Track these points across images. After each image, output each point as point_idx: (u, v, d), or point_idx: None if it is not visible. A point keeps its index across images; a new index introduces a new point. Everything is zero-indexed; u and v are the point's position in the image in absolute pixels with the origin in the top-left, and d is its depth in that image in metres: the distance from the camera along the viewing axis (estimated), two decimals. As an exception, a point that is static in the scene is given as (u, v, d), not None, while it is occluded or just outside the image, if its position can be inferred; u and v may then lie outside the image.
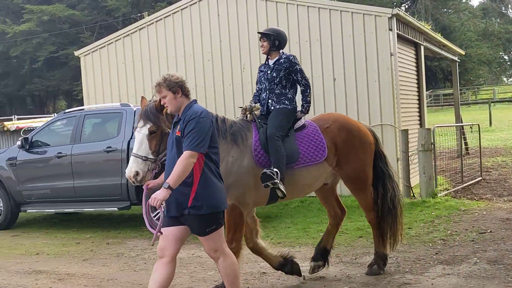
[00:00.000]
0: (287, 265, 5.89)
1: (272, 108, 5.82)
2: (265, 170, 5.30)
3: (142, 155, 4.68)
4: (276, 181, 5.28)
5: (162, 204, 4.20)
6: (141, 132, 4.72)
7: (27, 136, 10.32)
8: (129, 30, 13.28)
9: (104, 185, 9.44)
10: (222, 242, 4.50)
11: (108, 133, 9.85)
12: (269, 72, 5.91)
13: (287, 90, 5.87)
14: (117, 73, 13.26)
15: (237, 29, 12.03)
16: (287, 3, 11.48)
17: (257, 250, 5.86)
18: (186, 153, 4.25)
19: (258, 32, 6.19)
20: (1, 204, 10.28)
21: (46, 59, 40.90)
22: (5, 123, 16.71)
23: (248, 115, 5.74)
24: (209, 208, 4.32)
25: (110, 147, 9.41)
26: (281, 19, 11.49)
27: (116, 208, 9.44)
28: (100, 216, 11.16)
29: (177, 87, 4.49)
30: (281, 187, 5.35)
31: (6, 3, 43.62)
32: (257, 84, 6.08)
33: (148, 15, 21.94)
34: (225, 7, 12.12)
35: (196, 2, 12.44)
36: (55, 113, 35.60)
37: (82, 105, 13.66)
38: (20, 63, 43.93)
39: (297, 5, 11.39)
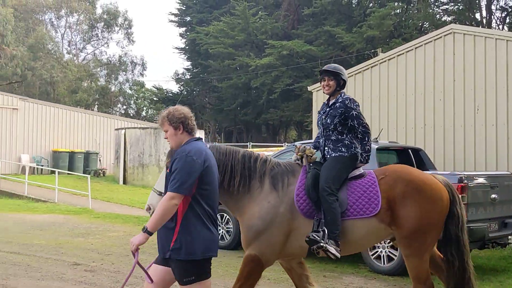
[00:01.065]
0: None
1: (328, 156, 5.30)
2: (308, 235, 4.85)
3: (158, 190, 4.52)
4: (321, 244, 4.81)
5: (138, 249, 3.96)
6: (164, 168, 4.57)
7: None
8: (361, 68, 13.55)
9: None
10: None
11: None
12: (323, 117, 5.42)
13: (344, 136, 5.31)
14: (346, 109, 13.60)
15: (473, 68, 11.53)
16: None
17: None
18: (167, 195, 3.96)
19: (323, 70, 5.47)
20: (231, 226, 11.14)
21: (282, 91, 43.43)
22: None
23: (303, 159, 5.23)
24: (187, 254, 3.98)
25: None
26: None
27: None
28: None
29: (178, 122, 4.24)
30: (331, 249, 4.86)
31: (251, 39, 47.46)
32: (318, 127, 5.58)
33: (382, 51, 22.10)
34: (461, 45, 11.73)
35: (431, 41, 12.25)
36: (285, 143, 37.48)
37: (311, 136, 14.21)
38: (259, 93, 47.28)
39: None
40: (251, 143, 35.56)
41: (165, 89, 64.77)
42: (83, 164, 28.42)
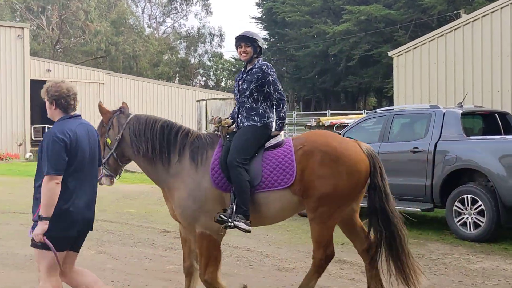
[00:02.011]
0: None
1: (241, 125, 5.13)
2: (215, 216, 4.74)
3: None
4: (229, 224, 4.71)
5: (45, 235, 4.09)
6: None
7: (339, 132, 11.07)
8: (444, 30, 13.15)
9: (408, 185, 9.58)
10: (45, 267, 4.20)
11: (415, 134, 9.96)
12: (240, 83, 5.24)
13: (259, 104, 5.13)
14: (428, 74, 13.28)
15: None
16: None
17: (190, 272, 5.25)
18: (45, 178, 4.09)
19: (239, 36, 5.30)
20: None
21: (360, 57, 42.70)
22: (321, 118, 18.15)
23: (221, 129, 5.11)
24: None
25: (416, 147, 9.52)
26: None
27: (419, 209, 9.49)
28: (402, 215, 11.35)
29: (52, 99, 4.39)
30: (241, 224, 4.73)
31: (328, 5, 46.77)
32: (234, 94, 5.37)
33: (465, 12, 21.24)
34: (552, 3, 11.12)
35: (518, -1, 11.68)
36: (365, 110, 36.99)
37: (392, 102, 14.03)
38: (337, 61, 46.73)
39: None
40: (330, 111, 35.37)
41: (243, 60, 65.23)
42: (166, 135, 29.27)
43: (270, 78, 5.10)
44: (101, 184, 5.07)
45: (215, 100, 27.43)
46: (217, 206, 4.81)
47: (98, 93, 28.93)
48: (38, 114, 28.45)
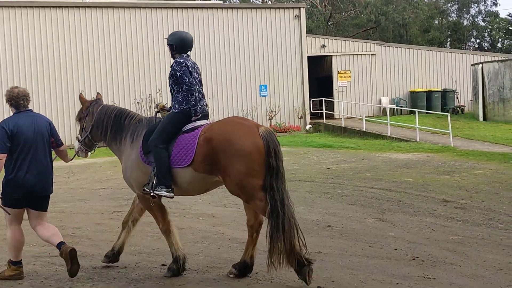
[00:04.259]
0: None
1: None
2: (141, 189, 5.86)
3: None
4: (152, 194, 5.71)
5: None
6: None
7: None
8: None
9: None
10: (7, 220, 5.82)
11: None
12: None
13: (179, 93, 5.93)
14: None
15: None
16: None
17: (123, 227, 6.29)
18: None
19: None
20: None
21: None
22: None
23: (155, 113, 6.15)
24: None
25: None
26: None
27: None
28: None
29: (7, 101, 5.90)
30: (162, 193, 5.68)
31: None
32: None
33: None
34: None
35: None
36: None
37: None
38: None
39: None
40: None
41: (523, 16, 59.39)
42: (440, 102, 28.43)
43: (177, 73, 5.92)
44: (78, 156, 6.57)
45: (493, 63, 25.66)
46: (145, 177, 5.83)
47: (370, 64, 29.34)
48: (314, 88, 30.08)
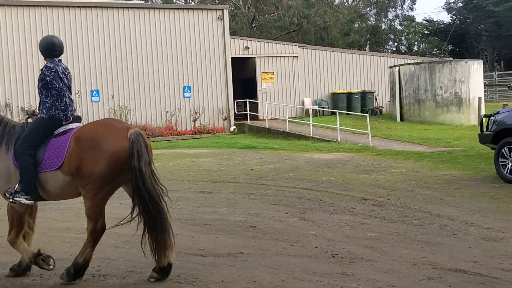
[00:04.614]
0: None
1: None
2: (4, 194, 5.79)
3: None
4: (11, 200, 5.71)
5: None
6: None
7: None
8: None
9: None
10: None
11: None
12: (37, 83, 6.08)
13: (47, 98, 5.93)
14: None
15: None
16: None
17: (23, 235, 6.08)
18: None
19: None
20: None
21: None
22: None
23: (26, 119, 6.11)
24: None
25: None
26: None
27: None
28: None
29: None
30: (22, 200, 5.66)
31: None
32: None
33: None
34: None
35: None
36: None
37: None
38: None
39: None
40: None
41: (436, 21, 62.05)
42: (360, 103, 29.28)
43: (47, 78, 5.92)
44: None
45: (409, 65, 26.68)
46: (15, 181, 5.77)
47: (293, 66, 29.78)
48: (239, 89, 30.18)
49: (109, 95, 25.37)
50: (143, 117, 25.61)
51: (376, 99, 30.55)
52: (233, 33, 38.98)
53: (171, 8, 28.56)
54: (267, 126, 25.09)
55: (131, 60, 25.70)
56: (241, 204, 9.83)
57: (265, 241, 7.23)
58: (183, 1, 51.43)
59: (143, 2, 35.57)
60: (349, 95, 29.43)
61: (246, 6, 49.41)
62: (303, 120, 25.68)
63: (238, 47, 28.87)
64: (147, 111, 25.95)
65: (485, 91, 31.84)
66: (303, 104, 29.58)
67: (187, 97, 26.88)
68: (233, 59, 28.03)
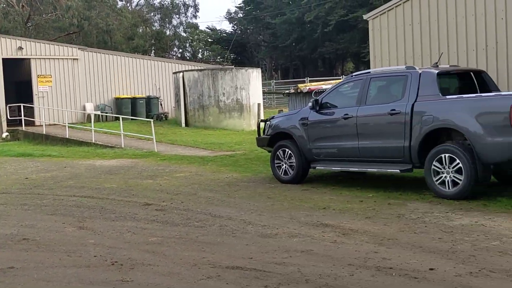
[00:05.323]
0: None
1: None
2: None
3: None
4: None
5: None
6: None
7: (317, 98, 11.06)
8: (417, -9, 13.07)
9: (387, 147, 9.67)
10: None
11: (392, 96, 9.99)
12: None
13: None
14: (403, 35, 13.25)
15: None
16: None
17: None
18: None
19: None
20: (294, 160, 11.26)
21: (336, 22, 42.47)
22: (299, 85, 18.11)
23: None
24: None
25: (394, 109, 9.56)
26: None
27: (398, 170, 9.61)
28: (382, 177, 11.48)
29: None
30: None
31: (302, -29, 46.26)
32: None
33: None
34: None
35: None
36: (343, 76, 37.00)
37: (369, 67, 13.99)
38: (313, 27, 46.44)
39: None
40: (308, 78, 35.31)
41: (219, 30, 64.55)
42: (145, 109, 29.10)
43: None
44: None
45: (193, 72, 27.28)
46: None
47: (73, 69, 28.49)
48: (13, 93, 27.97)
49: None
50: None
51: (161, 104, 30.65)
52: (5, 32, 36.13)
53: None
54: (44, 132, 23.64)
55: None
56: (13, 215, 9.06)
57: (39, 253, 6.72)
58: None
59: None
60: (134, 100, 29.07)
61: (20, 4, 46.12)
62: (84, 126, 24.71)
63: (11, 47, 26.76)
64: None
65: (264, 98, 33.91)
66: (84, 109, 28.46)
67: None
68: (5, 60, 25.93)
